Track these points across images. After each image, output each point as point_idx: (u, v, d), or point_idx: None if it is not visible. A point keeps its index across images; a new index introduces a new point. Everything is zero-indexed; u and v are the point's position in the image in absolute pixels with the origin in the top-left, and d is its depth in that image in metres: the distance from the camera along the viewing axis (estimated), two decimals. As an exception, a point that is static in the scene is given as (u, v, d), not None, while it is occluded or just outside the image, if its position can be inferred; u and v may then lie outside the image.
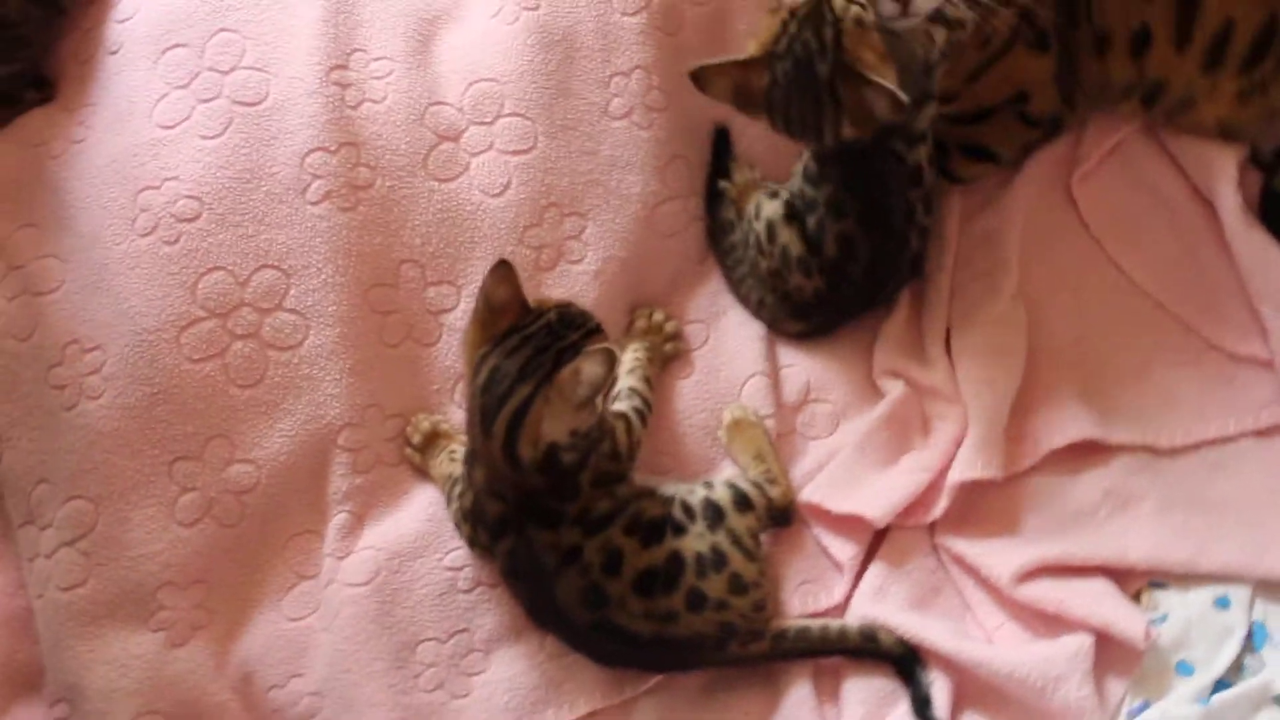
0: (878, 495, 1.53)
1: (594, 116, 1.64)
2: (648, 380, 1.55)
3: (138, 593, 1.51)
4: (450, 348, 1.59)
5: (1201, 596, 1.50)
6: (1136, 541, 1.51)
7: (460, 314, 1.58)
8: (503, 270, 1.38)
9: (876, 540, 1.55)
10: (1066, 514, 1.54)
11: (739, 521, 1.46)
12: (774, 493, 1.51)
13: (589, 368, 1.32)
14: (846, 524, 1.53)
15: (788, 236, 1.59)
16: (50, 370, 1.55)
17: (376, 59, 1.62)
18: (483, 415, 1.38)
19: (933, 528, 1.56)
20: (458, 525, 1.51)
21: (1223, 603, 1.50)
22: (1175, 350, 1.63)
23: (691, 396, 1.62)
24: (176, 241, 1.55)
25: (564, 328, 1.37)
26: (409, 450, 1.57)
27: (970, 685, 1.46)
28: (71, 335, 1.55)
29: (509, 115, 1.61)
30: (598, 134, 1.64)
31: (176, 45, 1.61)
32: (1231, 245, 1.62)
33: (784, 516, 1.52)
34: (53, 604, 1.50)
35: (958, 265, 1.67)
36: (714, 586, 1.42)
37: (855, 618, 1.50)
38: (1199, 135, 1.66)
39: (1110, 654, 1.46)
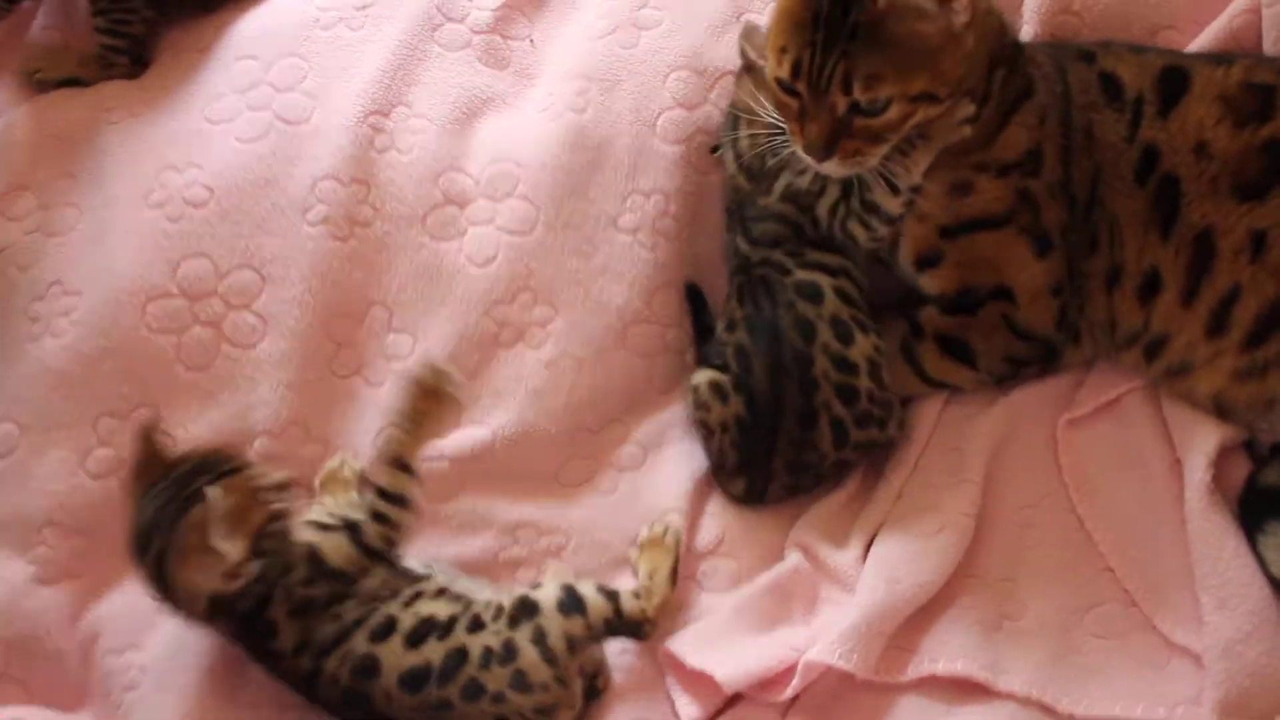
0: (735, 660, 1.47)
1: (601, 224, 1.71)
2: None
3: (26, 523, 1.59)
4: (393, 395, 1.63)
5: None
6: (989, 790, 1.41)
7: (410, 364, 1.64)
8: (147, 425, 1.42)
9: (726, 706, 1.49)
10: (921, 743, 1.46)
11: (555, 623, 1.40)
12: (630, 605, 1.46)
13: (196, 511, 1.31)
14: (698, 681, 1.48)
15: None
16: (32, 303, 1.67)
17: (417, 116, 1.74)
18: (140, 570, 1.39)
19: (785, 711, 1.48)
20: None
21: None
22: (1108, 619, 1.53)
23: (605, 513, 1.63)
24: (178, 220, 1.68)
25: (195, 475, 1.36)
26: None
27: None
28: (59, 277, 1.68)
29: (518, 198, 1.70)
30: (598, 240, 1.70)
31: (248, 57, 1.78)
32: (1188, 523, 1.53)
33: (635, 629, 1.47)
34: (-46, 508, 1.60)
35: (917, 471, 1.63)
36: (494, 679, 1.37)
37: None
38: (1194, 405, 1.59)
39: None
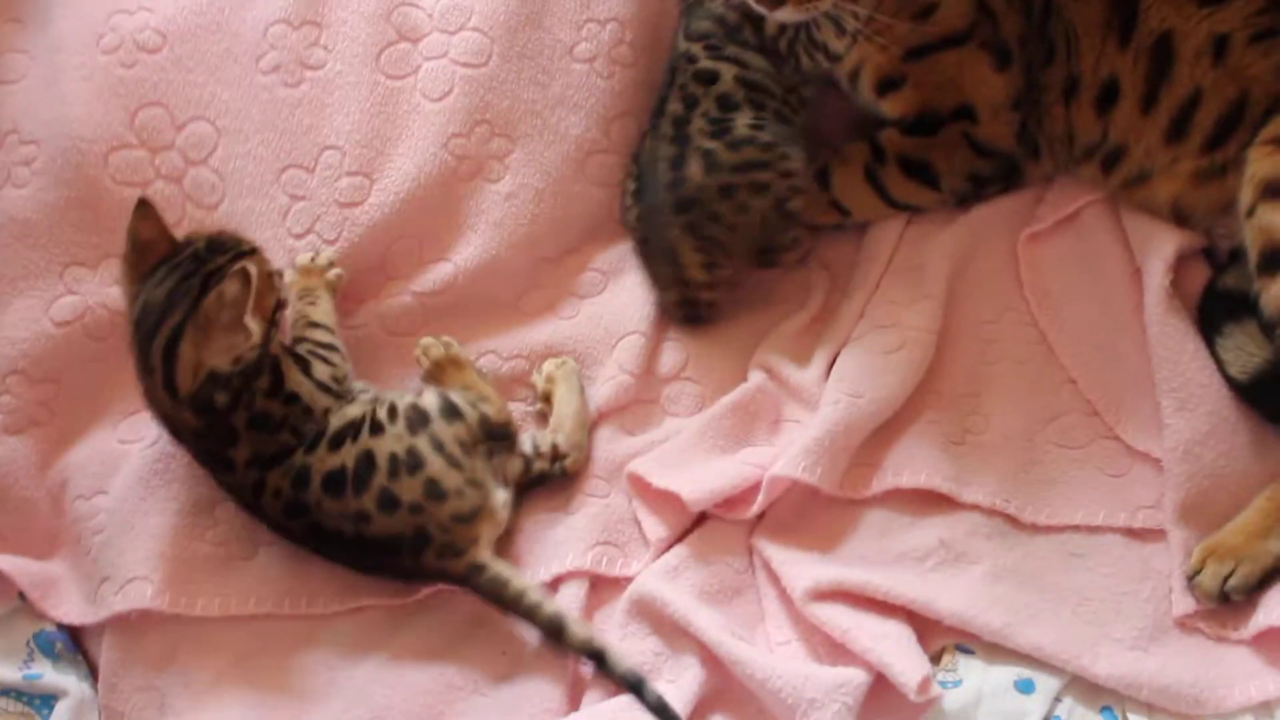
0: (700, 479, 1.50)
1: (557, 53, 1.69)
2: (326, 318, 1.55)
3: (-10, 374, 1.61)
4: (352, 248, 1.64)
5: (1005, 674, 1.42)
6: (951, 596, 1.43)
7: (366, 210, 1.64)
8: (144, 209, 1.43)
9: (692, 525, 1.52)
10: (892, 551, 1.49)
11: (445, 429, 1.45)
12: (486, 408, 1.49)
13: (229, 287, 1.35)
14: (663, 501, 1.51)
15: None
16: (-11, 147, 1.66)
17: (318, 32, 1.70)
18: (139, 351, 1.41)
19: (751, 528, 1.51)
20: None
21: (1025, 686, 1.41)
22: (1069, 429, 1.57)
23: (565, 336, 1.64)
24: (132, 67, 1.65)
25: (211, 253, 1.40)
26: None
27: (725, 687, 1.41)
28: (14, 125, 1.66)
29: (472, 29, 1.68)
30: (554, 70, 1.69)
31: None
32: (1148, 329, 1.54)
33: (502, 433, 1.50)
34: (-84, 363, 1.61)
35: (877, 289, 1.64)
36: (407, 489, 1.42)
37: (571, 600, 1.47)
38: (1153, 214, 1.60)
39: (889, 702, 1.38)
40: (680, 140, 1.62)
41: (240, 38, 1.67)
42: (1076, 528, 1.50)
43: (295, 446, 1.44)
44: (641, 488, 1.53)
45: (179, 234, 1.50)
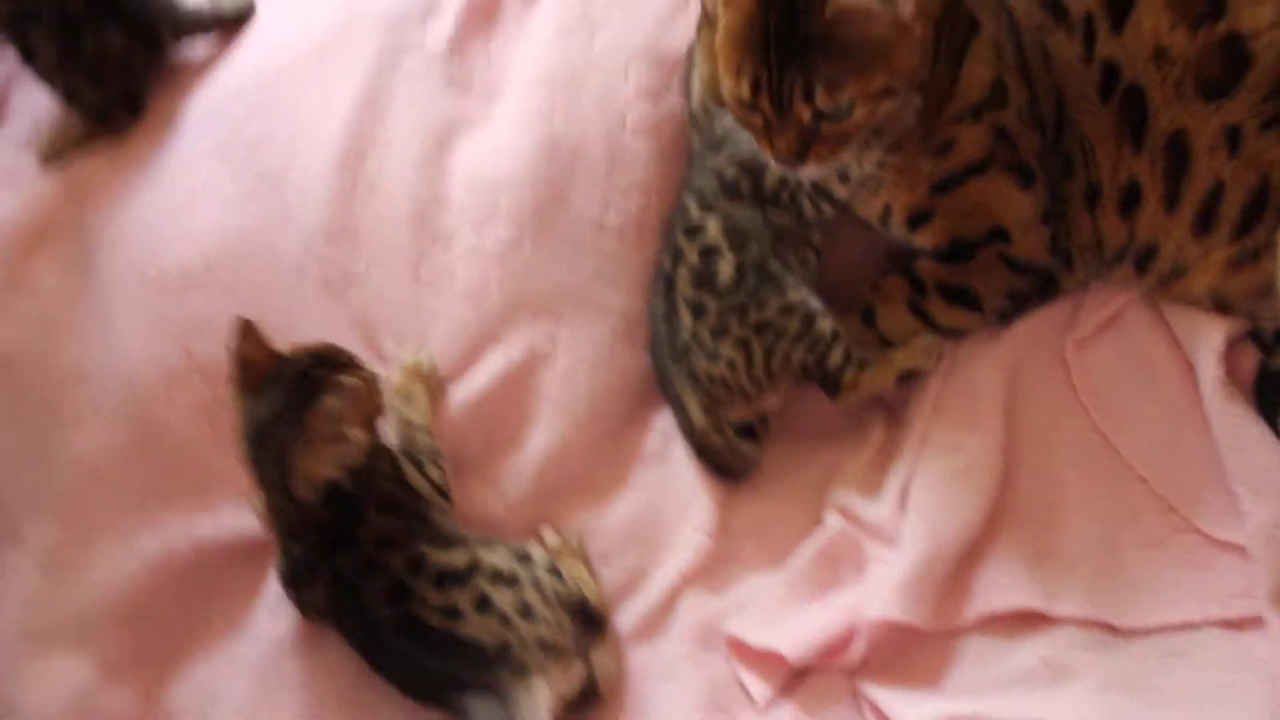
0: (798, 633, 1.52)
1: (587, 229, 1.74)
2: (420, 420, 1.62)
3: (83, 622, 1.61)
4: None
5: (1126, 784, 1.43)
6: (1062, 713, 1.45)
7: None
8: (245, 327, 1.49)
9: (796, 680, 1.54)
10: (996, 675, 1.50)
11: (545, 577, 1.49)
12: (587, 591, 1.54)
13: (329, 403, 1.41)
14: (764, 660, 1.53)
15: None
16: (50, 399, 1.70)
17: (393, 156, 1.76)
18: (255, 466, 1.46)
19: (854, 674, 1.53)
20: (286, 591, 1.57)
21: (1148, 794, 1.42)
22: (1149, 529, 1.57)
23: (641, 505, 1.67)
24: (181, 300, 1.70)
25: (313, 368, 1.46)
26: None
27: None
28: (75, 369, 1.70)
29: (503, 219, 1.72)
30: (587, 246, 1.73)
31: (219, 113, 1.80)
32: (1210, 420, 1.57)
33: (594, 616, 1.54)
34: (6, 619, 1.63)
35: (935, 415, 1.67)
36: (503, 599, 1.46)
37: None
38: (1193, 306, 1.63)
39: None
40: (669, 293, 1.67)
41: (282, 256, 1.71)
42: (1173, 626, 1.51)
43: (418, 533, 1.49)
44: (740, 649, 1.55)
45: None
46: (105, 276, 1.74)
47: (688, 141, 1.77)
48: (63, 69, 1.80)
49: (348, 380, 1.43)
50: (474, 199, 1.73)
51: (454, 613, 1.46)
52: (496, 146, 1.77)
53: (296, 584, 1.54)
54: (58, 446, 1.68)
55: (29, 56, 1.81)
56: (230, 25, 1.88)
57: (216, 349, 1.64)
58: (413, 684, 1.50)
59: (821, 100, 1.47)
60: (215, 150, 1.78)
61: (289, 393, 1.44)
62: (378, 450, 1.51)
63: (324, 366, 1.46)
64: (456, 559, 1.48)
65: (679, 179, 1.75)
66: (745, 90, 1.50)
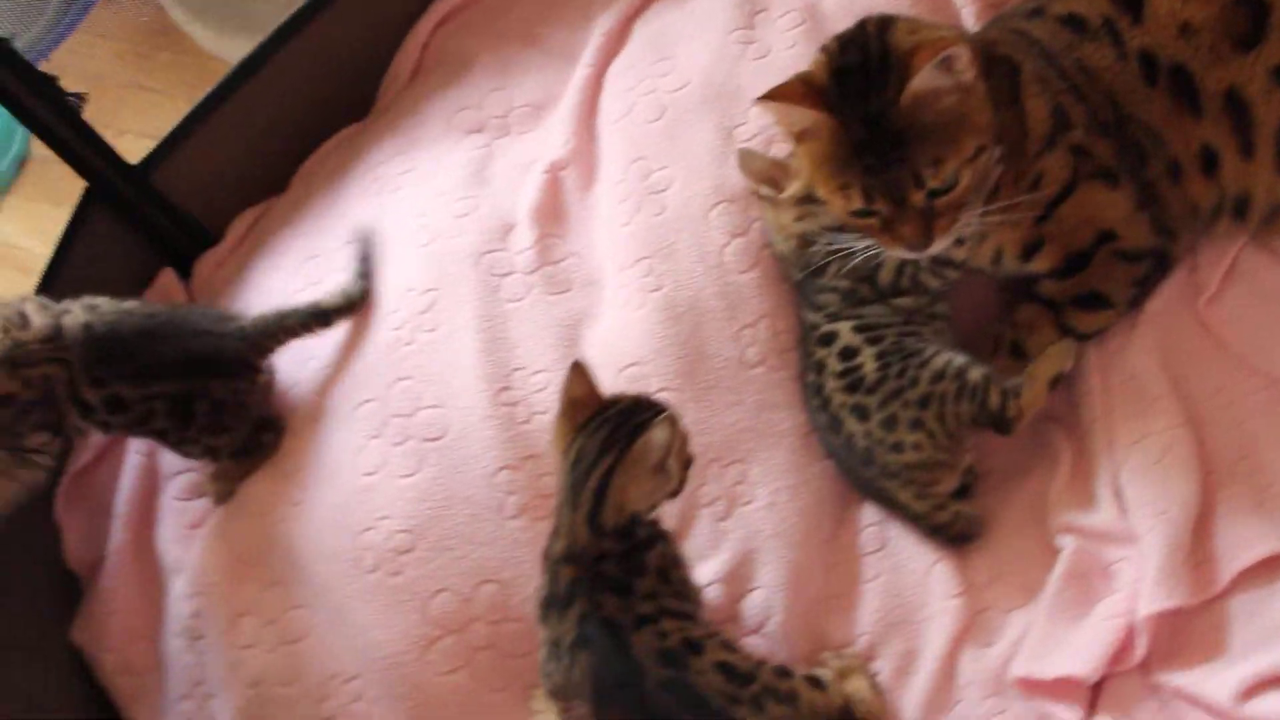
0: (1079, 652, 1.62)
1: (732, 370, 1.85)
2: None
3: None
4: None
5: None
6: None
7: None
8: (578, 370, 1.61)
9: (1097, 693, 1.64)
10: (1272, 624, 1.60)
11: (808, 691, 1.57)
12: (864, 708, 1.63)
13: (657, 433, 1.52)
14: (1061, 688, 1.63)
15: None
16: (319, 705, 1.77)
17: (535, 373, 1.86)
18: (572, 488, 1.57)
19: (1146, 670, 1.64)
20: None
21: None
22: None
23: (885, 595, 1.77)
24: (400, 573, 1.78)
25: (637, 410, 1.58)
26: None
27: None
28: (331, 671, 1.78)
29: (657, 391, 1.82)
30: (740, 386, 1.85)
31: (365, 401, 1.88)
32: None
33: None
34: None
35: (1110, 413, 1.78)
36: (774, 711, 1.53)
37: None
38: (1302, 234, 1.77)
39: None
40: (825, 407, 1.79)
41: (475, 500, 1.79)
42: None
43: (691, 614, 1.58)
44: (1035, 686, 1.65)
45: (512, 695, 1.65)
46: (323, 578, 1.81)
47: (782, 268, 1.90)
48: (192, 439, 1.87)
49: (671, 419, 1.54)
50: (625, 383, 1.83)
51: (733, 699, 1.52)
52: (621, 330, 1.88)
53: (551, 606, 1.59)
54: (343, 750, 1.76)
55: (163, 441, 1.90)
56: (341, 314, 1.95)
57: (452, 603, 1.76)
58: None
59: (932, 181, 1.59)
60: (373, 433, 1.86)
61: (616, 427, 1.56)
62: (664, 532, 1.61)
63: (647, 410, 1.57)
64: (739, 661, 1.55)
65: (790, 293, 1.88)
66: (858, 201, 1.62)
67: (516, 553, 1.77)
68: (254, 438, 1.92)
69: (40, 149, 3.20)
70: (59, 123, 2.02)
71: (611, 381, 1.83)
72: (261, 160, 2.26)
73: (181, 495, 1.98)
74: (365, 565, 1.80)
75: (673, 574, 1.60)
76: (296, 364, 1.96)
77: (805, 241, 1.81)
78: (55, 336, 1.74)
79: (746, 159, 1.88)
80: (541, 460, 1.81)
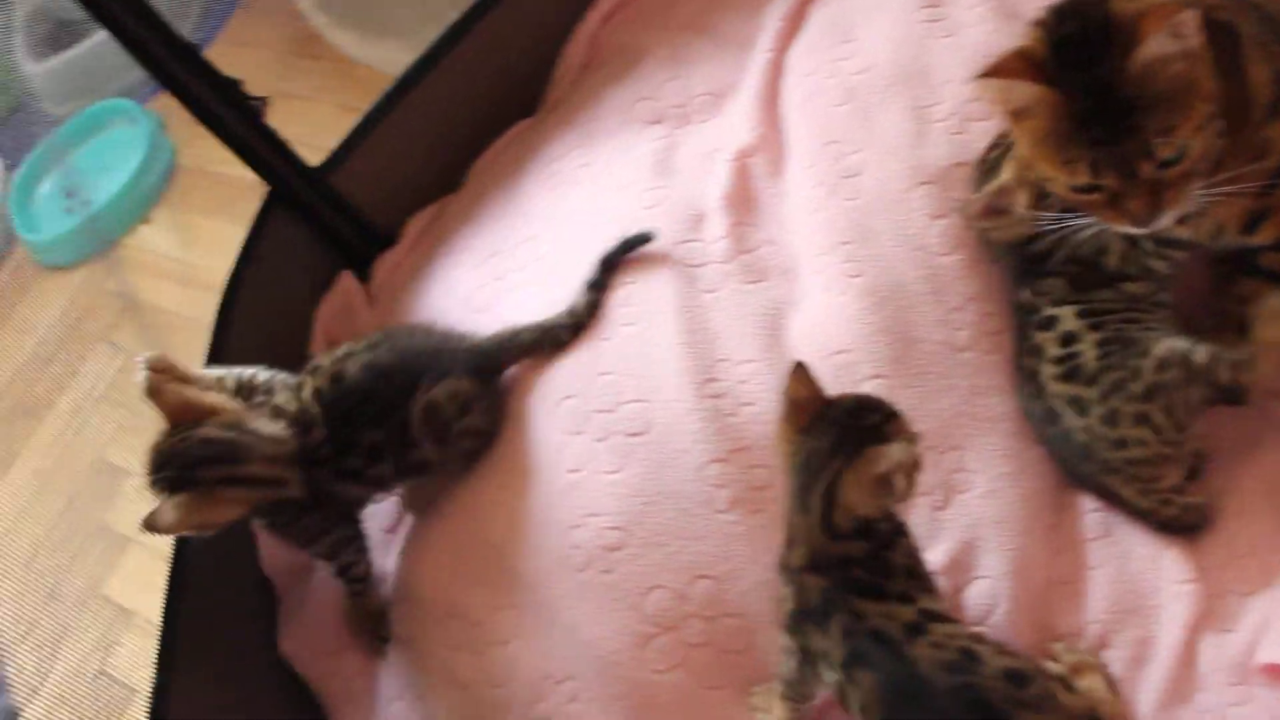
0: (1329, 628, 1.57)
1: (943, 354, 1.81)
2: None
3: None
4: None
5: None
6: None
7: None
8: (800, 371, 1.56)
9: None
10: None
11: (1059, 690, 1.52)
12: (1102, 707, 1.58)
13: (894, 450, 1.47)
14: (1312, 668, 1.58)
15: None
16: (532, 706, 1.76)
17: (740, 363, 1.84)
18: (800, 493, 1.53)
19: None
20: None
21: None
22: None
23: (1106, 582, 1.72)
24: (612, 571, 1.76)
25: (864, 411, 1.52)
26: None
27: None
28: (543, 672, 1.76)
29: (868, 379, 1.80)
30: (950, 371, 1.80)
31: (566, 397, 1.87)
32: None
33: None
34: None
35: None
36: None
37: None
38: None
39: None
40: (1039, 395, 1.74)
41: (686, 495, 1.76)
42: None
43: (948, 614, 1.54)
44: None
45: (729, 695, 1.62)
46: (532, 578, 1.80)
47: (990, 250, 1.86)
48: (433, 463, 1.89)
49: (911, 435, 1.50)
50: (833, 371, 1.80)
51: (1017, 703, 1.47)
52: (825, 317, 1.85)
53: (807, 619, 1.55)
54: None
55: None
56: (572, 332, 1.93)
57: (667, 600, 1.74)
58: None
59: (1163, 151, 1.53)
60: (575, 429, 1.85)
61: (844, 429, 1.51)
62: (902, 525, 1.56)
63: (875, 412, 1.53)
64: (1021, 663, 1.50)
65: (997, 275, 1.84)
66: (1084, 176, 1.57)
67: (730, 547, 1.75)
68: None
69: (188, 160, 3.25)
70: (242, 126, 2.03)
71: (819, 369, 1.80)
72: (434, 160, 2.27)
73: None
74: (575, 564, 1.78)
75: (918, 569, 1.56)
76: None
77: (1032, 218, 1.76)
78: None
79: (967, 207, 1.84)
80: (752, 452, 1.78)
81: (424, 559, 1.88)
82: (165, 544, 1.85)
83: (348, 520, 1.87)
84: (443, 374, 1.83)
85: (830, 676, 1.52)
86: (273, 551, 2.04)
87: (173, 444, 1.65)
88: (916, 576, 1.55)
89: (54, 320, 3.11)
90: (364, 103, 2.21)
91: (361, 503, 1.88)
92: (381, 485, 1.87)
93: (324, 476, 1.77)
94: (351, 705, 1.90)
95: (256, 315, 2.04)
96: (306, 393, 1.79)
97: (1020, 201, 1.75)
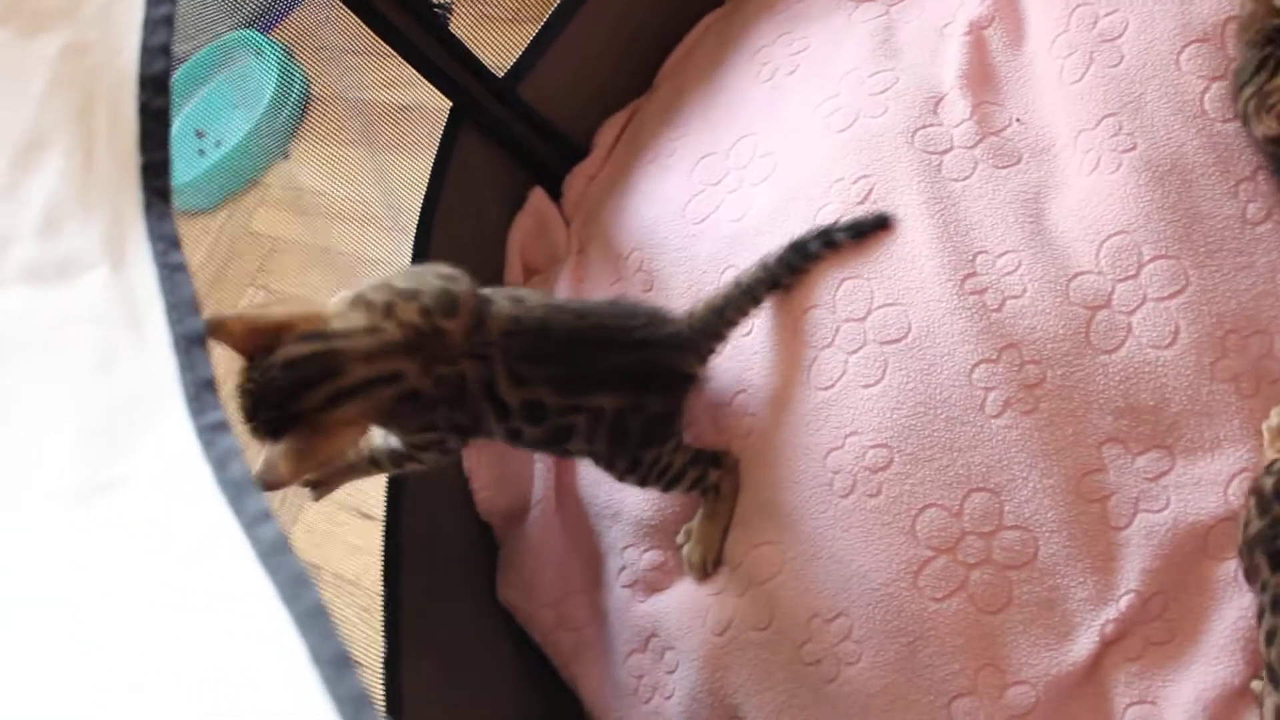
0: None
1: (1235, 229, 1.64)
2: None
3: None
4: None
5: None
6: None
7: (1177, 474, 1.59)
8: None
9: None
10: None
11: None
12: None
13: None
14: None
15: None
16: (800, 648, 1.65)
17: (1001, 255, 1.69)
18: None
19: None
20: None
21: None
22: None
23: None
24: (879, 493, 1.64)
25: None
26: None
27: None
28: (810, 610, 1.65)
29: (1150, 260, 1.64)
30: (1246, 246, 1.64)
31: (809, 308, 1.74)
32: None
33: None
34: None
35: None
36: None
37: None
38: None
39: None
40: None
41: (950, 402, 1.64)
42: None
43: None
44: None
45: (1010, 616, 1.48)
46: (792, 508, 1.69)
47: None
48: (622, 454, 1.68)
49: None
50: (1110, 255, 1.65)
51: None
52: (1096, 198, 1.69)
53: None
54: (833, 689, 1.63)
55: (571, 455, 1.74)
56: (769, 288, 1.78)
57: (941, 519, 1.62)
58: None
59: None
60: (823, 342, 1.72)
61: None
62: None
63: None
64: None
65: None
66: None
67: (1005, 454, 1.61)
68: None
69: (321, 89, 3.13)
70: (424, 38, 1.90)
71: (1093, 259, 1.66)
72: (622, 62, 2.13)
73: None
74: (837, 489, 1.66)
75: None
76: (713, 273, 1.83)
77: None
78: (478, 328, 1.51)
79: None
80: (1021, 349, 1.64)
81: (664, 496, 1.77)
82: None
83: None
84: (657, 374, 1.66)
85: None
86: (488, 494, 1.94)
87: (255, 381, 1.35)
88: None
89: (197, 267, 3.04)
90: (542, 12, 2.07)
91: (487, 435, 1.62)
92: (513, 439, 1.62)
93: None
94: (583, 658, 1.80)
95: (451, 242, 1.92)
96: (498, 310, 1.54)
97: None
